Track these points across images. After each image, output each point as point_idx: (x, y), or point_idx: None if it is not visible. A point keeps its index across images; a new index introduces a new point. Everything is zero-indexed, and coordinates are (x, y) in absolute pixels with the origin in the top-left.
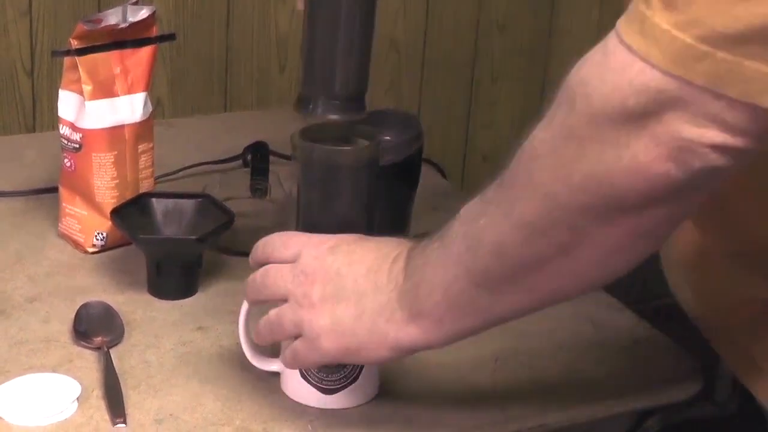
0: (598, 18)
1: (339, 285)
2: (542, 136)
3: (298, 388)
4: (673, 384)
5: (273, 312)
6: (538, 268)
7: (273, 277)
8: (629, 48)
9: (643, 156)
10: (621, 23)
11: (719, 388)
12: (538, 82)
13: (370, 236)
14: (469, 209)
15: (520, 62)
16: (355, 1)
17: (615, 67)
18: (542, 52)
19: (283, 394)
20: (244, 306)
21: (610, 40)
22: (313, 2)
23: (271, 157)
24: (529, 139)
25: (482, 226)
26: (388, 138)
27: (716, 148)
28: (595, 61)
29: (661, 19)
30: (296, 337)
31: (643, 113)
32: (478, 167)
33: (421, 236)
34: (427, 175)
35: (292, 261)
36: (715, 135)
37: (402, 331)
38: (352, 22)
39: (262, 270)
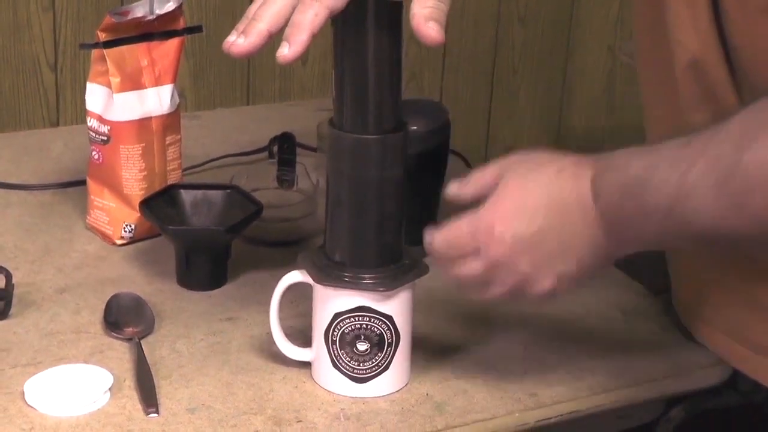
0: (618, 8)
1: (546, 249)
2: (754, 173)
3: (329, 377)
4: (702, 370)
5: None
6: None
7: (495, 276)
8: None
9: None
10: None
11: (743, 377)
12: (559, 73)
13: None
14: (670, 177)
15: (540, 54)
16: (381, 37)
17: None
18: (562, 43)
19: (315, 383)
20: (276, 296)
21: None
22: (339, 42)
23: (297, 149)
24: (737, 159)
25: (689, 213)
26: (415, 128)
27: None
28: None
29: None
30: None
31: None
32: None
33: None
34: (452, 165)
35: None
36: None
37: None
38: (380, 58)
39: (485, 269)
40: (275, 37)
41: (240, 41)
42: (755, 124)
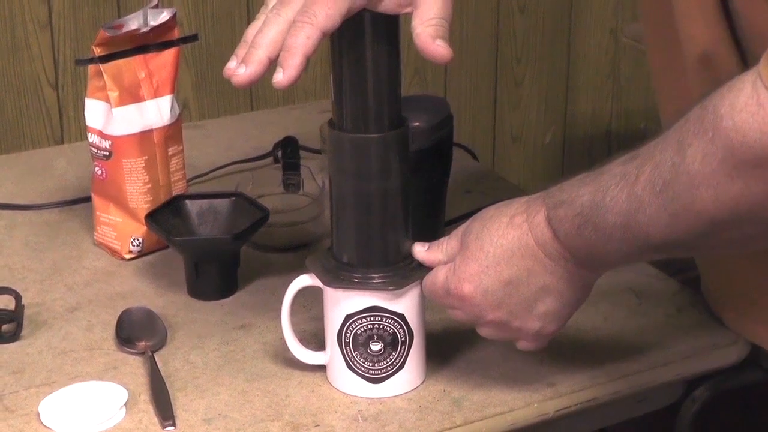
0: None
1: (519, 297)
2: (698, 168)
3: (345, 379)
4: (719, 350)
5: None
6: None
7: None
8: None
9: None
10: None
11: (765, 354)
12: (562, 60)
13: (485, 241)
14: (619, 194)
15: (542, 42)
16: (378, 44)
17: None
18: (564, 30)
19: (331, 386)
20: (286, 301)
21: (762, 91)
22: (337, 48)
23: (302, 152)
24: (678, 160)
25: (644, 224)
26: (417, 123)
27: None
28: (750, 111)
29: None
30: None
31: None
32: (508, 148)
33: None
34: (458, 159)
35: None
36: None
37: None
38: (377, 60)
39: (468, 319)
40: (276, 61)
41: (241, 71)
42: (692, 131)
